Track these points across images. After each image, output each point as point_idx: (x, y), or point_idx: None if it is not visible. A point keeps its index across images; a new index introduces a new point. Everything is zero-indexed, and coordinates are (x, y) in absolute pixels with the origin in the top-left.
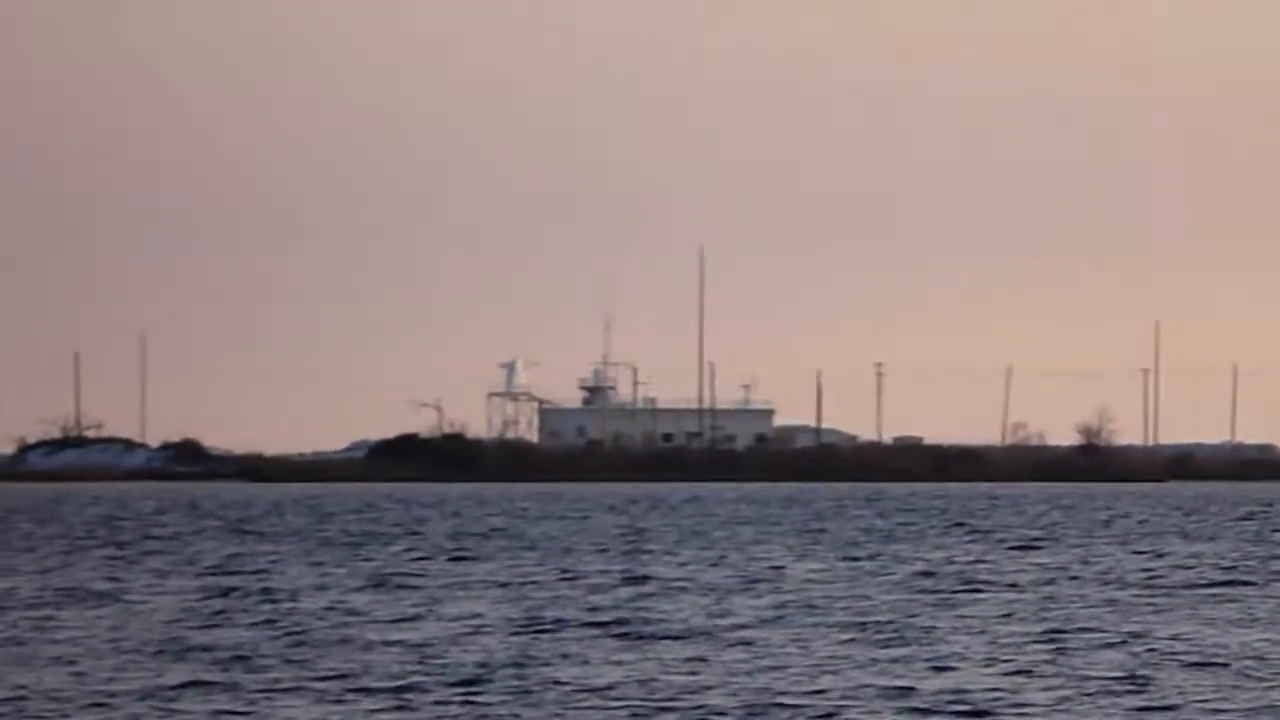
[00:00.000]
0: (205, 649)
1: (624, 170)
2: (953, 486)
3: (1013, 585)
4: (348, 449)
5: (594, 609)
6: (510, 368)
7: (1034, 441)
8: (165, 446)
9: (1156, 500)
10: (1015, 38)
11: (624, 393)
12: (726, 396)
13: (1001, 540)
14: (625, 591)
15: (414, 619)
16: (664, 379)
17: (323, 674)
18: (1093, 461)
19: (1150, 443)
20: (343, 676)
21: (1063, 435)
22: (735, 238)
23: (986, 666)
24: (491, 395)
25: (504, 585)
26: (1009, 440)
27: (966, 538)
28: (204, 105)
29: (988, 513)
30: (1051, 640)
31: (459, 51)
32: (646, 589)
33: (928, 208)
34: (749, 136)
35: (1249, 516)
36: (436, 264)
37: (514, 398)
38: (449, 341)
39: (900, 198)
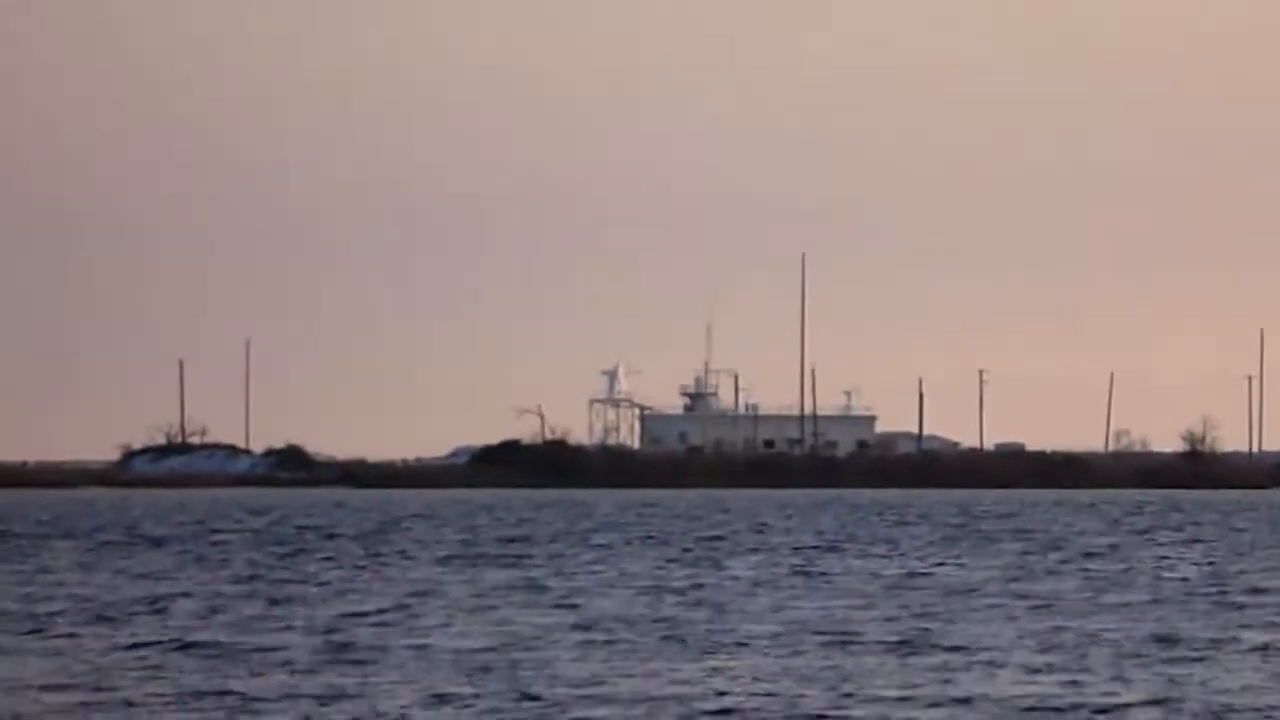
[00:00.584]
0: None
1: (726, 176)
2: (1054, 494)
3: None
4: (450, 455)
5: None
6: (612, 374)
7: (1137, 448)
8: (269, 453)
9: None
10: (1131, 41)
11: (725, 399)
12: (828, 403)
13: None
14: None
15: None
16: (765, 385)
17: None
18: (1196, 469)
19: (1254, 450)
20: None
21: (1166, 442)
22: (837, 243)
23: None
24: (593, 402)
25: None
26: (1112, 447)
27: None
28: (312, 111)
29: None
30: None
31: (566, 56)
32: None
33: (1032, 214)
34: (852, 141)
35: None
36: (538, 270)
37: (615, 404)
38: (551, 348)
39: (1003, 203)
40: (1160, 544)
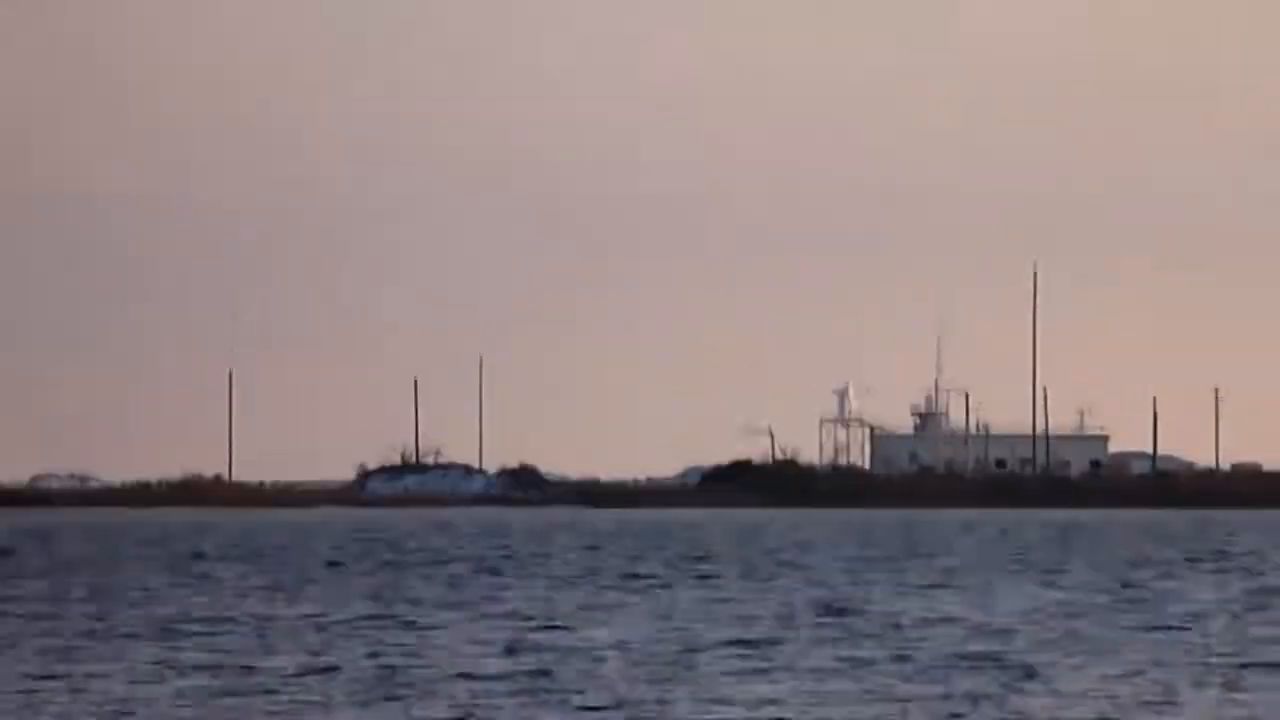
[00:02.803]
0: None
1: (955, 191)
2: None
3: None
4: (681, 475)
5: None
6: (842, 394)
7: None
8: (502, 472)
9: None
10: None
11: (956, 419)
12: (1061, 422)
13: None
14: None
15: None
16: (997, 404)
17: None
18: None
19: None
20: None
21: None
22: (1071, 252)
23: None
24: (824, 421)
25: None
26: None
27: None
28: (540, 122)
29: None
30: None
31: (769, 74)
32: None
33: (1266, 227)
34: (1083, 154)
35: None
36: (768, 291)
37: (846, 424)
38: (781, 368)
39: (1237, 218)
40: None
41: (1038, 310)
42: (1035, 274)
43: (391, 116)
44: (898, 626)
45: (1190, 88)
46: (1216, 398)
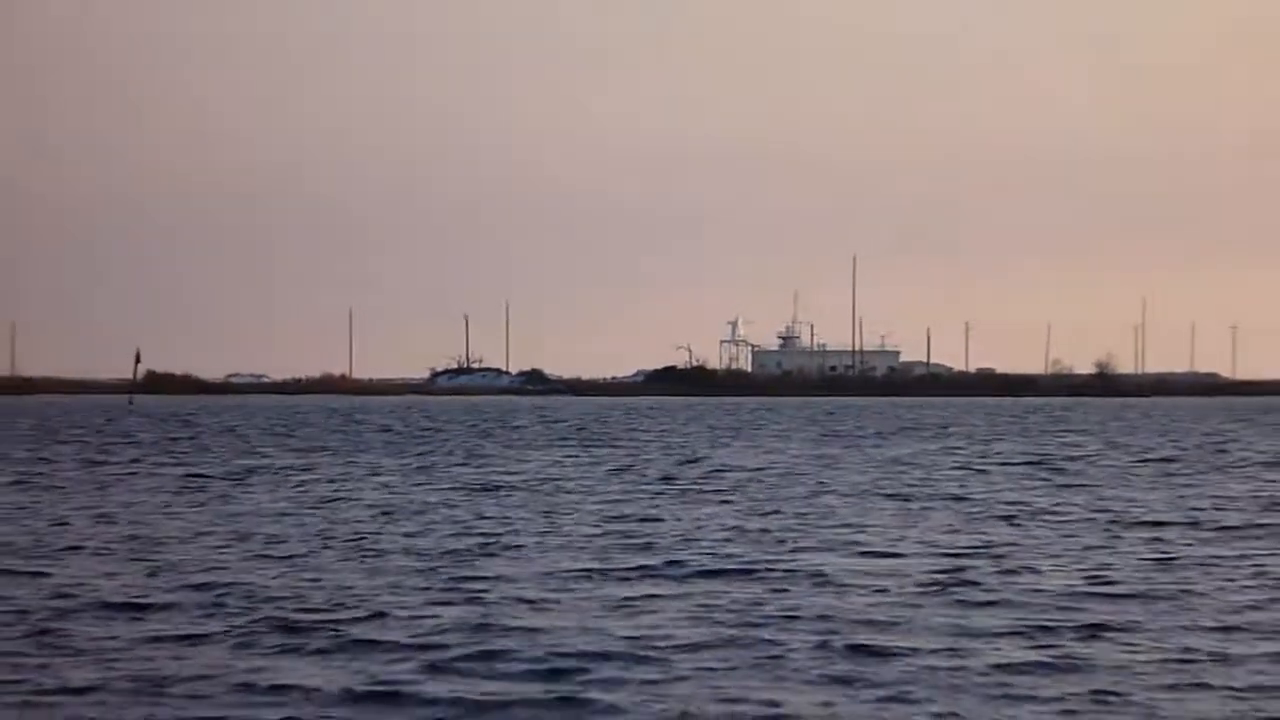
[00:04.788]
0: None
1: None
2: (1009, 402)
3: None
4: (634, 375)
5: None
6: (734, 325)
7: (1065, 371)
8: (521, 374)
9: None
10: None
11: (805, 340)
12: (869, 342)
13: None
14: None
15: None
16: (830, 331)
17: None
18: (1104, 385)
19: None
20: None
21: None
22: (882, 241)
23: None
24: (722, 342)
25: None
26: (1051, 370)
27: None
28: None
29: None
30: None
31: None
32: None
33: (1008, 218)
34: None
35: None
36: (698, 264)
37: (736, 344)
38: (698, 309)
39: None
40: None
41: (857, 270)
42: (855, 259)
43: None
44: (720, 471)
45: None
46: (967, 329)
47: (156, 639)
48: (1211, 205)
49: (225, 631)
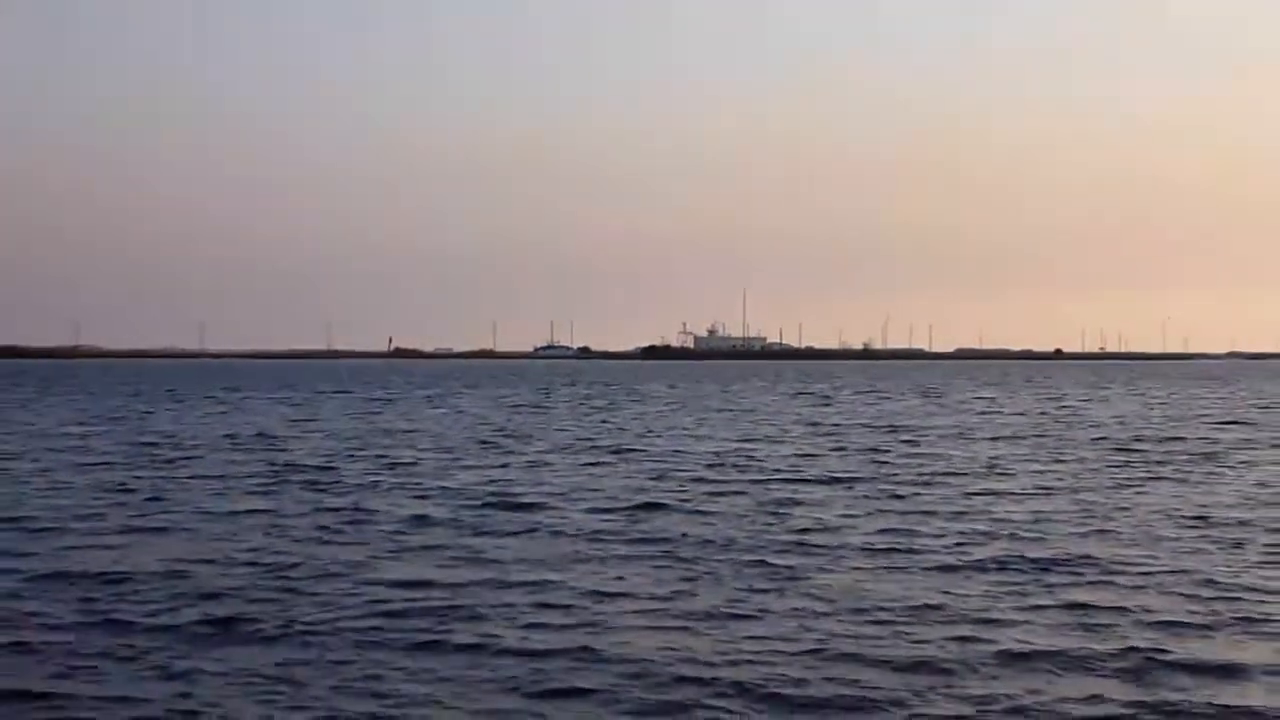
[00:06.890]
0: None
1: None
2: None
3: None
4: (633, 350)
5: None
6: (684, 324)
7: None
8: (577, 349)
9: None
10: None
11: (722, 332)
12: (754, 332)
13: None
14: None
15: None
16: (734, 326)
17: None
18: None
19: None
20: None
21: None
22: (769, 269)
23: None
24: (679, 333)
25: None
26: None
27: None
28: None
29: None
30: None
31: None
32: None
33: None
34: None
35: None
36: (669, 278)
37: (687, 334)
38: (669, 312)
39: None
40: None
41: (748, 290)
42: (745, 291)
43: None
44: (645, 434)
45: None
46: (800, 327)
47: None
48: None
49: None
